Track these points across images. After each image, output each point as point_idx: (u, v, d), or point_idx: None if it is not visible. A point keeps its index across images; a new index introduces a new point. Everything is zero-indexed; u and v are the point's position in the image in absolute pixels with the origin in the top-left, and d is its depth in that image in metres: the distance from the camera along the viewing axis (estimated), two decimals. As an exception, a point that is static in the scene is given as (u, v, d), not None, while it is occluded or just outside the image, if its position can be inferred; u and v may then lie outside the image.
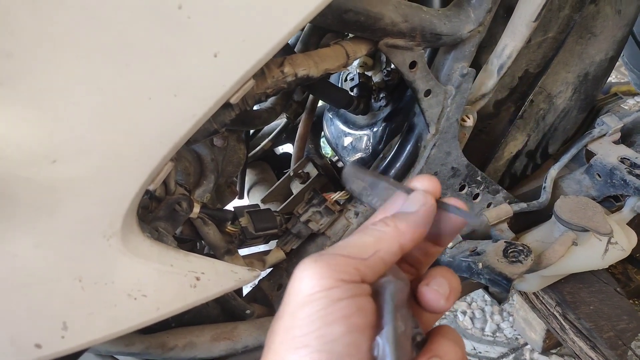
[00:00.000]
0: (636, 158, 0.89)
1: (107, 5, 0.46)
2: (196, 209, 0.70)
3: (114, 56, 0.48)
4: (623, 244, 0.86)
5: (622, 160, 0.89)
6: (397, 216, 0.39)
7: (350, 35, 0.75)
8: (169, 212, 0.68)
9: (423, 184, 0.41)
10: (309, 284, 0.33)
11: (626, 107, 2.02)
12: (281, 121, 1.26)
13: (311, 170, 1.18)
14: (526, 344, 1.35)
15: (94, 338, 0.55)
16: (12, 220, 0.49)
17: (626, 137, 1.00)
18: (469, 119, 0.84)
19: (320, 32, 0.80)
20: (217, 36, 0.53)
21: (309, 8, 0.56)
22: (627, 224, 0.92)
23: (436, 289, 0.38)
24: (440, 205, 0.40)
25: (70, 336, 0.53)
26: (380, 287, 0.36)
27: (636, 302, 1.30)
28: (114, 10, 0.47)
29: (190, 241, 0.76)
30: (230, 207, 1.11)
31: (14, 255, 0.50)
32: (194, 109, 0.54)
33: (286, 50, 0.84)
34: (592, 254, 0.86)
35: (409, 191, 0.41)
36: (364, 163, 1.02)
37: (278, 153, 1.42)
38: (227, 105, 0.62)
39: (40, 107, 0.47)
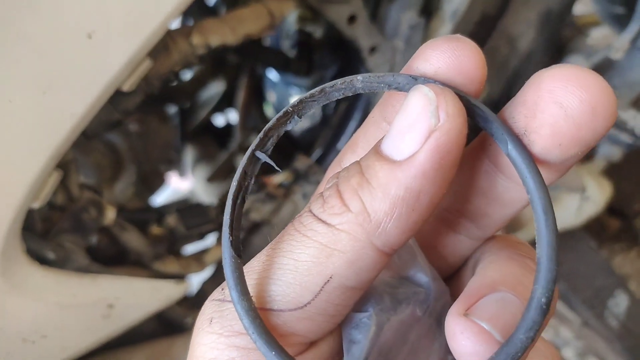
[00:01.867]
0: (607, 102, 0.81)
1: None
2: (110, 214, 0.59)
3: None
4: (596, 197, 0.79)
5: (592, 105, 0.82)
6: (366, 172, 0.20)
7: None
8: (75, 223, 0.57)
9: (438, 63, 0.20)
10: None
11: (590, 40, 1.95)
12: (220, 87, 1.14)
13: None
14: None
15: (-15, 397, 0.45)
16: None
17: (594, 78, 0.91)
18: (422, 75, 0.74)
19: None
20: (89, 11, 0.41)
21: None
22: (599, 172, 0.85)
23: (483, 329, 0.19)
24: (474, 113, 0.20)
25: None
26: (352, 330, 0.22)
27: (610, 245, 1.27)
28: None
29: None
30: (177, 187, 1.01)
31: None
32: (72, 106, 0.43)
33: (199, 11, 0.71)
34: (566, 212, 0.79)
35: (410, 83, 0.20)
36: (314, 133, 0.92)
37: (221, 122, 1.30)
38: (123, 93, 0.50)
39: None
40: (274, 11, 0.59)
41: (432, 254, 0.25)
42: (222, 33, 0.55)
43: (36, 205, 0.47)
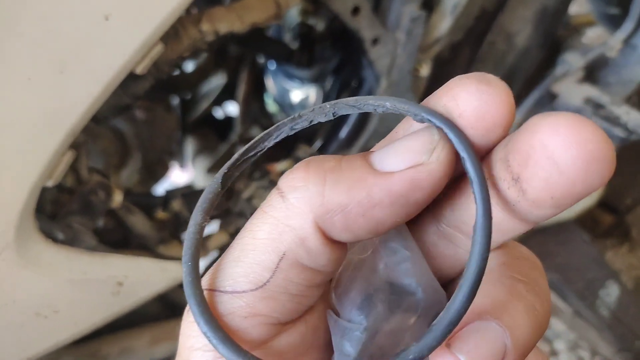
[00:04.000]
0: (600, 98, 0.84)
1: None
2: (117, 197, 0.61)
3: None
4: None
5: (587, 101, 0.84)
6: (337, 165, 0.20)
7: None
8: (84, 205, 0.58)
9: (464, 106, 0.20)
10: (186, 355, 0.21)
11: (586, 39, 1.98)
12: (221, 80, 1.15)
13: (258, 133, 1.08)
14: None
15: (-1, 368, 0.46)
16: None
17: (588, 75, 0.94)
18: (422, 68, 0.76)
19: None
20: (106, -7, 0.42)
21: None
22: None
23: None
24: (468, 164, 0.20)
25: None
26: (338, 338, 0.22)
27: (602, 241, 1.29)
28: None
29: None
30: (176, 180, 1.02)
31: None
32: (88, 86, 0.44)
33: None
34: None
35: (422, 118, 0.20)
36: (315, 124, 0.94)
37: (221, 115, 1.31)
38: (135, 76, 0.52)
39: None
40: (280, 1, 0.61)
41: (433, 263, 0.24)
42: (230, 21, 0.57)
43: (50, 183, 0.48)
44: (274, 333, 0.21)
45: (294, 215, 0.19)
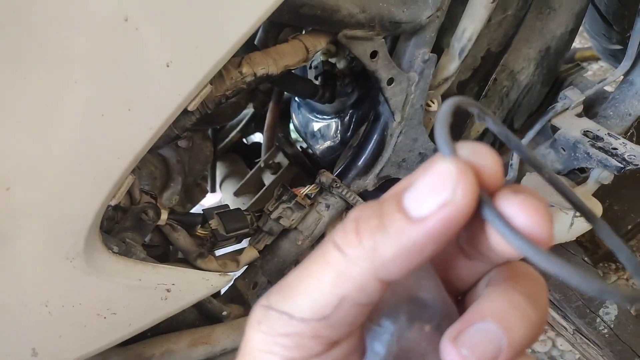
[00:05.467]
0: (598, 130, 0.91)
1: (49, 21, 0.43)
2: (164, 215, 0.69)
3: (61, 74, 0.47)
4: (589, 216, 0.88)
5: (585, 133, 0.91)
6: (384, 219, 0.23)
7: (309, 28, 0.74)
8: (135, 222, 0.67)
9: (472, 154, 0.23)
10: (255, 356, 0.25)
11: (590, 73, 2.05)
12: (249, 111, 1.24)
13: (282, 160, 1.17)
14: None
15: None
16: (-31, 252, 0.48)
17: (589, 109, 1.01)
18: (433, 103, 0.84)
19: (277, 27, 0.78)
20: (168, 45, 0.51)
21: (262, 8, 0.54)
22: (592, 195, 0.94)
23: (465, 356, 0.24)
24: (486, 207, 0.22)
25: (41, 362, 0.52)
26: (370, 341, 0.27)
27: (605, 264, 1.34)
28: (56, 26, 0.45)
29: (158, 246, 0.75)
30: (202, 203, 1.11)
31: (-26, 287, 0.49)
32: (150, 121, 0.53)
33: (247, 46, 0.82)
34: (559, 228, 0.88)
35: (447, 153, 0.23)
36: (333, 152, 1.02)
37: (248, 143, 1.41)
38: (186, 112, 0.60)
39: (-16, 135, 0.45)
40: (309, 46, 0.70)
41: (446, 276, 0.28)
42: (266, 64, 0.66)
43: (113, 202, 0.57)
44: (328, 349, 0.25)
45: (354, 269, 0.23)
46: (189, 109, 0.57)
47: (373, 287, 0.23)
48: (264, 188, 1.11)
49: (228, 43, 0.54)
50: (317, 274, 0.24)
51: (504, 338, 0.23)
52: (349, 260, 0.23)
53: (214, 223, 0.74)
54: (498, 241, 0.23)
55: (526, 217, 0.22)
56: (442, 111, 0.24)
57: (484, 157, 0.23)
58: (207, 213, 0.75)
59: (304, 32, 0.73)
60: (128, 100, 0.51)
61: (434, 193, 0.22)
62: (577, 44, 2.04)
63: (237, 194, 1.18)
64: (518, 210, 0.22)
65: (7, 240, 0.50)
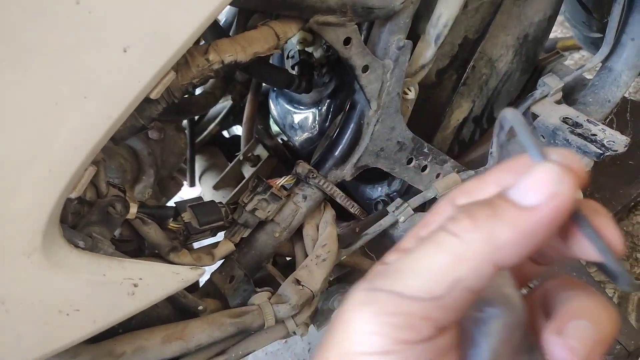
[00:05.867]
0: (577, 117, 0.90)
1: (-7, 7, 0.41)
2: (133, 209, 0.67)
3: (8, 61, 0.45)
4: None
5: (565, 120, 0.90)
6: (496, 209, 0.25)
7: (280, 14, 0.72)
8: (102, 216, 0.65)
9: (564, 158, 0.25)
10: (359, 338, 0.25)
11: (572, 62, 2.04)
12: (227, 103, 1.22)
13: (262, 152, 1.15)
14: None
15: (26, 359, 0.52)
16: None
17: (568, 96, 1.00)
18: (410, 91, 0.83)
19: (246, 14, 0.76)
20: (125, 30, 0.49)
21: (224, -8, 0.53)
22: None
23: (573, 346, 0.26)
24: (576, 217, 0.25)
25: (-1, 361, 0.50)
26: (476, 328, 0.27)
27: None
28: (2, 10, 0.43)
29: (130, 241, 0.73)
30: (179, 197, 1.09)
31: None
32: (108, 110, 0.51)
33: (216, 33, 0.80)
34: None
35: (541, 158, 0.25)
36: (312, 143, 1.00)
37: (229, 135, 1.39)
38: (149, 100, 0.58)
39: None
40: (279, 32, 0.68)
41: (517, 269, 0.30)
42: (234, 51, 0.64)
43: (73, 195, 0.55)
44: (436, 334, 0.25)
45: (471, 251, 0.24)
46: (152, 97, 0.55)
47: (486, 271, 0.24)
48: (244, 181, 1.09)
49: (190, 27, 0.52)
50: (429, 257, 0.25)
51: (598, 332, 0.26)
52: (467, 243, 0.24)
53: (186, 216, 0.72)
54: (581, 244, 0.26)
55: (611, 234, 0.25)
56: (518, 121, 0.27)
57: (573, 161, 0.25)
58: (180, 206, 0.73)
59: (274, 18, 0.71)
60: (83, 88, 0.49)
61: (543, 186, 0.24)
62: (558, 33, 2.03)
63: (216, 187, 1.16)
64: (606, 226, 0.25)
65: (-42, 237, 0.48)
